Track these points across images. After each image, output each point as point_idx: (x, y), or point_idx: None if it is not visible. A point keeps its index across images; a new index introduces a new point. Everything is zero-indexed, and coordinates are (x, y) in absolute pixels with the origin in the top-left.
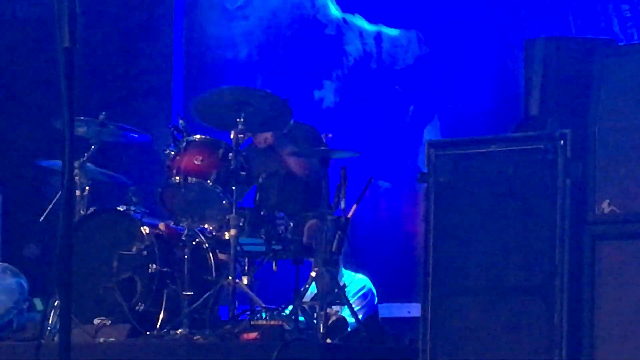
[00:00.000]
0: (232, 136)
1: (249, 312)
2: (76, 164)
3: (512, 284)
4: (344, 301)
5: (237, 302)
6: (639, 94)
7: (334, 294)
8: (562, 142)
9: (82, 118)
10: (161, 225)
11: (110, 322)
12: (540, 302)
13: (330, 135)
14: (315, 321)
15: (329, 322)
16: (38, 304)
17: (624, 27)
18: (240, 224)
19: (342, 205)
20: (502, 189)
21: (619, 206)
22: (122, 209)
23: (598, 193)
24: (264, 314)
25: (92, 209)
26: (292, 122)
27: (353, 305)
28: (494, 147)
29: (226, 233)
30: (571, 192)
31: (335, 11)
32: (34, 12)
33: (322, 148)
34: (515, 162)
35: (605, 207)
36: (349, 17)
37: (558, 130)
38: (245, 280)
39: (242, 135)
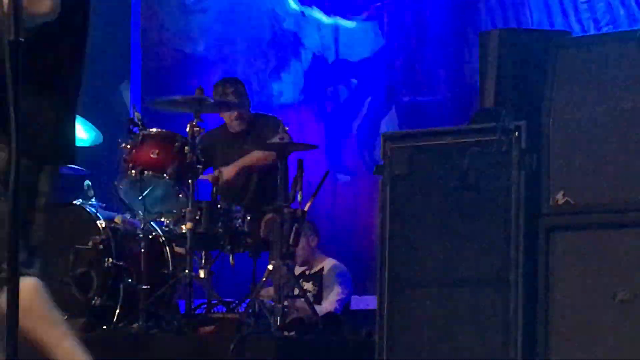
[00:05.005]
0: (188, 129)
1: (205, 306)
2: None
3: (467, 275)
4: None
5: (193, 296)
6: (593, 86)
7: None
8: (516, 133)
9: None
10: (117, 219)
11: (66, 316)
12: (495, 294)
13: (287, 127)
14: (272, 314)
15: (287, 320)
16: None
17: (580, 19)
18: (197, 217)
19: (299, 198)
20: (457, 180)
21: (574, 197)
22: (77, 203)
23: (552, 184)
24: (220, 308)
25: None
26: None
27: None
28: (449, 139)
29: (182, 226)
30: (526, 184)
31: (293, 4)
32: None
33: (280, 141)
34: (470, 154)
35: (560, 198)
36: (307, 11)
37: (513, 122)
38: (202, 274)
39: (198, 129)
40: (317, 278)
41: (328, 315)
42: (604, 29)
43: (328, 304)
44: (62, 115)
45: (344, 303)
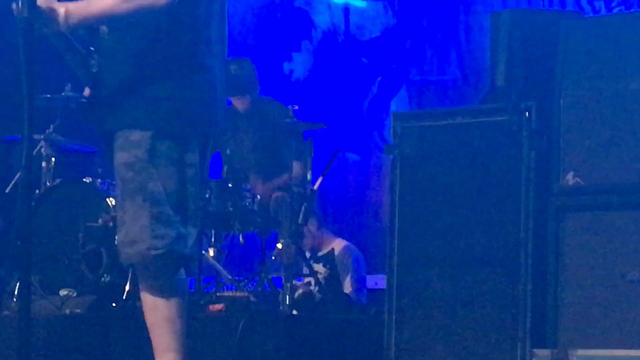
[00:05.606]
0: None
1: (215, 284)
2: (42, 135)
3: (476, 255)
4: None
5: (203, 274)
6: (604, 66)
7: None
8: (527, 113)
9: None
10: None
11: (76, 293)
12: (504, 273)
13: (296, 107)
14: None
15: (296, 295)
16: None
17: (591, 0)
18: (207, 196)
19: (309, 177)
20: (467, 160)
21: (584, 178)
22: (88, 181)
23: (563, 165)
24: (229, 286)
25: (58, 180)
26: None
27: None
28: (459, 119)
29: None
30: (536, 164)
31: None
32: None
33: (289, 120)
34: (481, 134)
35: (570, 178)
36: None
37: (523, 102)
38: (211, 252)
39: None
40: (328, 259)
41: (337, 293)
42: (615, 10)
43: (348, 290)
44: (198, 91)
45: (364, 287)
